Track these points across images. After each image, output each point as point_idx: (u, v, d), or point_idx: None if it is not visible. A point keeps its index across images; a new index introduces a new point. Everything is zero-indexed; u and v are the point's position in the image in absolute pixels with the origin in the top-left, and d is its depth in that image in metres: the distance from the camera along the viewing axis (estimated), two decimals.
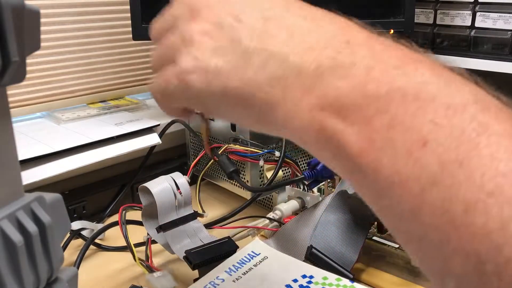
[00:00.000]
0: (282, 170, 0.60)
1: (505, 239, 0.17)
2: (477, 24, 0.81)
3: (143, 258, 0.46)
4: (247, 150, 0.55)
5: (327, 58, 0.23)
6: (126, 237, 0.46)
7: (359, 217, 0.49)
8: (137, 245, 0.48)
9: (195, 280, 0.43)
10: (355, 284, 0.41)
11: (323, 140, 0.22)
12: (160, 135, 0.66)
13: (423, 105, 0.20)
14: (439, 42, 0.88)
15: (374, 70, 0.22)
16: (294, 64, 0.23)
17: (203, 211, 0.53)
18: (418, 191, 0.19)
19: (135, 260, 0.45)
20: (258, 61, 0.24)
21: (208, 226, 0.52)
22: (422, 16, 0.88)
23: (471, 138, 0.19)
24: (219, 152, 0.54)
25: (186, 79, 0.25)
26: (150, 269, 0.45)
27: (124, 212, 0.48)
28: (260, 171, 0.60)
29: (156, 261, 0.49)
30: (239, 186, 0.61)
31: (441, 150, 0.19)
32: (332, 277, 0.42)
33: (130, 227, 0.48)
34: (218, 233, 0.50)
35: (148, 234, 0.48)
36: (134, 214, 0.51)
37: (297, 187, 0.56)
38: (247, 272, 0.43)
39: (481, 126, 0.19)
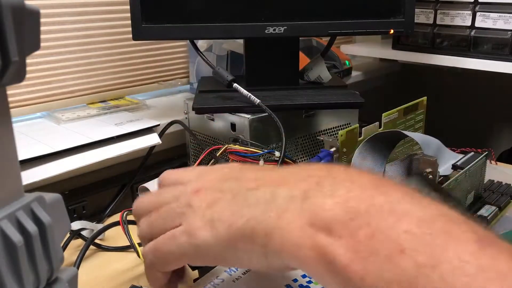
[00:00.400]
0: None
1: None
2: (477, 24, 0.81)
3: (142, 259, 0.46)
4: (247, 150, 0.55)
5: (312, 184, 0.27)
6: (129, 236, 0.46)
7: None
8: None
9: (195, 280, 0.43)
10: None
11: (315, 256, 0.25)
12: (160, 135, 0.66)
13: (398, 219, 0.23)
14: (439, 42, 0.88)
15: (353, 191, 0.25)
16: (284, 193, 0.27)
17: None
18: None
19: (139, 256, 0.45)
20: (254, 201, 0.28)
21: None
22: (422, 16, 0.88)
23: (441, 244, 0.22)
24: (218, 154, 0.54)
25: (197, 236, 0.29)
26: None
27: (125, 213, 0.48)
28: None
29: None
30: None
31: (416, 255, 0.22)
32: None
33: (130, 228, 0.48)
34: None
35: None
36: None
37: None
38: (246, 272, 0.43)
39: (448, 234, 0.22)
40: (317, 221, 0.25)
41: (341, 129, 0.62)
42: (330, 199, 0.25)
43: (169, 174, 0.36)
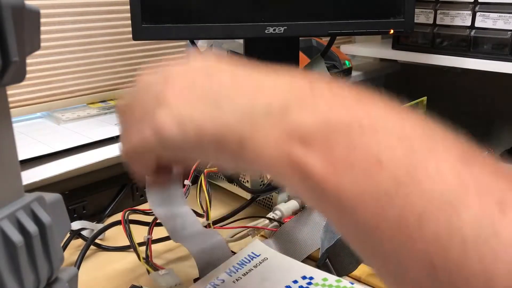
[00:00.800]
0: None
1: (453, 242, 0.19)
2: (477, 24, 0.81)
3: (142, 262, 0.46)
4: None
5: (293, 98, 0.25)
6: (130, 237, 0.46)
7: None
8: (138, 245, 0.48)
9: (195, 280, 0.43)
10: (355, 285, 0.41)
11: (291, 168, 0.24)
12: None
13: (378, 133, 0.23)
14: (439, 42, 0.88)
15: (336, 106, 0.24)
16: (261, 107, 0.26)
17: (204, 211, 0.52)
18: (377, 208, 0.21)
19: (139, 260, 0.45)
20: (228, 107, 0.26)
21: (208, 226, 0.52)
22: (422, 16, 0.88)
23: (419, 157, 0.21)
24: None
25: (163, 131, 0.27)
26: (154, 267, 0.45)
27: (127, 212, 0.48)
28: None
29: (155, 261, 0.49)
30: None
31: (394, 168, 0.21)
32: (332, 278, 0.42)
33: (131, 228, 0.48)
34: None
35: (148, 233, 0.48)
36: (134, 215, 0.51)
37: None
38: (247, 273, 0.43)
39: (428, 148, 0.22)
40: (295, 135, 0.24)
41: None
42: (311, 115, 0.24)
43: (143, 73, 0.33)
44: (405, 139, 0.22)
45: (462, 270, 0.19)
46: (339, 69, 0.96)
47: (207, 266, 0.44)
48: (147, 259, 0.46)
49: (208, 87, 0.27)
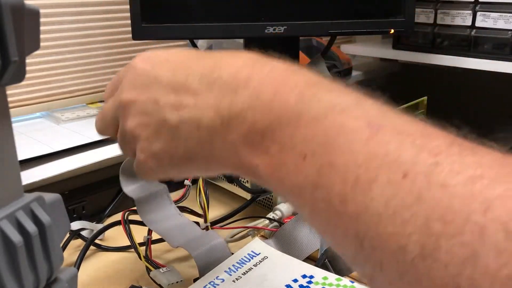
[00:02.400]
0: None
1: (371, 217, 0.21)
2: (477, 24, 0.81)
3: (142, 260, 0.46)
4: None
5: (233, 113, 0.28)
6: (130, 237, 0.46)
7: None
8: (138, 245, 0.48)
9: (195, 280, 0.43)
10: (356, 284, 0.41)
11: (246, 170, 0.28)
12: None
13: (301, 129, 0.25)
14: (439, 42, 0.88)
15: (259, 114, 0.27)
16: (206, 125, 0.29)
17: (204, 212, 0.53)
18: (310, 196, 0.24)
19: (140, 258, 0.45)
20: (182, 136, 0.30)
21: (207, 228, 0.52)
22: (423, 16, 0.88)
23: (335, 142, 0.23)
24: None
25: (146, 167, 0.33)
26: (155, 265, 0.45)
27: (127, 213, 0.48)
28: None
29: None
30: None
31: (315, 158, 0.24)
32: (332, 277, 0.42)
33: (131, 228, 0.48)
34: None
35: (148, 234, 0.48)
36: (134, 215, 0.51)
37: None
38: (247, 272, 0.43)
39: (340, 127, 0.24)
40: (240, 145, 0.28)
41: None
42: (244, 124, 0.27)
43: (108, 86, 0.38)
44: (319, 125, 0.24)
45: (376, 228, 0.21)
46: (339, 69, 0.96)
47: (207, 266, 0.44)
48: (148, 258, 0.46)
49: (159, 120, 0.31)
